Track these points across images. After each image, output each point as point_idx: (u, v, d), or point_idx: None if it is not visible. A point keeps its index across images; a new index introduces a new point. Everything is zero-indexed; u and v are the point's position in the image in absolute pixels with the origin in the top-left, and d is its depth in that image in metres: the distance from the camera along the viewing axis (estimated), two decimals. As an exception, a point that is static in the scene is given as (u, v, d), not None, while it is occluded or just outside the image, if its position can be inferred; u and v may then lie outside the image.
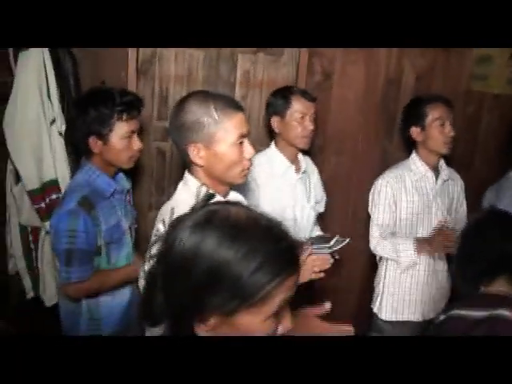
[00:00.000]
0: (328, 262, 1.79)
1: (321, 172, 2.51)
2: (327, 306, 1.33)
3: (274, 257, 0.80)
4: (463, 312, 1.60)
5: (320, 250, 2.15)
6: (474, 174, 2.81)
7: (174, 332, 0.89)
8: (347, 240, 2.08)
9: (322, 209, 2.51)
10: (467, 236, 1.70)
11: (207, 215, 0.84)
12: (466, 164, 2.83)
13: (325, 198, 2.53)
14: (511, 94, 2.88)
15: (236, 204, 0.87)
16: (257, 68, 2.62)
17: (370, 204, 2.37)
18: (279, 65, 2.63)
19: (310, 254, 1.76)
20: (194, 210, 0.88)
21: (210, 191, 1.31)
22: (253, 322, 0.82)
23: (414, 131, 2.32)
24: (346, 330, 1.29)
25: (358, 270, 2.81)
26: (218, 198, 1.25)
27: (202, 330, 0.85)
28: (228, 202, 0.93)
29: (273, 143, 2.31)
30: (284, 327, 0.88)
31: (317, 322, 1.32)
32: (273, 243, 0.81)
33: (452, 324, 1.62)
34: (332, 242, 2.11)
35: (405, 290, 2.33)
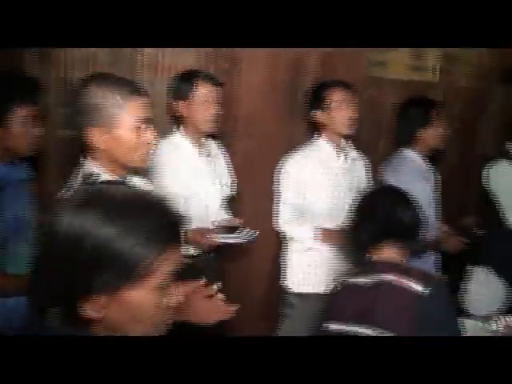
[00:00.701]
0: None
1: (230, 155, 2.56)
2: (214, 287, 1.42)
3: (153, 232, 0.84)
4: (353, 280, 1.70)
5: (226, 240, 2.21)
6: (379, 154, 2.98)
7: (64, 319, 0.90)
8: (256, 234, 2.19)
9: (231, 192, 2.58)
10: (359, 205, 1.80)
11: (87, 196, 0.86)
12: (372, 145, 3.00)
13: (234, 181, 2.60)
14: (410, 79, 3.09)
15: (118, 184, 0.90)
16: (165, 52, 2.60)
17: (277, 184, 2.46)
18: (188, 50, 2.63)
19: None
20: (76, 192, 0.89)
21: (103, 175, 1.33)
22: (139, 296, 0.85)
23: (317, 114, 2.42)
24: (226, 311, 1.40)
25: (270, 250, 2.90)
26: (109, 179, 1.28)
27: (91, 311, 0.86)
28: (110, 182, 0.95)
29: (177, 128, 2.31)
30: (172, 300, 0.92)
31: (201, 302, 1.40)
32: (153, 219, 0.85)
33: (344, 292, 1.71)
34: (241, 234, 2.18)
35: (310, 264, 2.44)
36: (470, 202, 3.12)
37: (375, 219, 1.72)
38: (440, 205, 2.72)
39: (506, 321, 2.06)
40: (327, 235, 2.35)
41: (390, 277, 1.59)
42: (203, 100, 2.22)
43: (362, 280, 1.67)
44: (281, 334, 2.54)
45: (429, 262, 2.63)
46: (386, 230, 1.71)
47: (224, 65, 2.68)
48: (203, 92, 2.23)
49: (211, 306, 1.42)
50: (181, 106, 2.26)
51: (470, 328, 2.08)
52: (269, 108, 2.81)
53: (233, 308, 1.43)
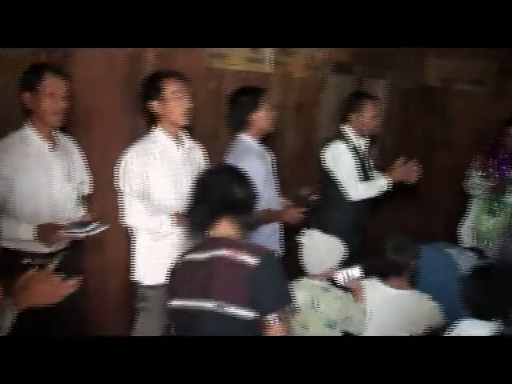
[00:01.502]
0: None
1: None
2: (50, 266, 1.43)
3: None
4: (191, 256, 1.74)
5: (75, 235, 2.18)
6: (220, 141, 3.09)
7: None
8: (103, 226, 2.19)
9: (87, 190, 2.52)
10: (195, 184, 1.82)
11: None
12: (212, 133, 3.11)
13: (88, 178, 2.55)
14: (247, 70, 3.26)
15: None
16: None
17: (119, 178, 2.44)
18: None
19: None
20: None
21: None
22: None
23: (154, 104, 2.45)
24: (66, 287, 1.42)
25: (124, 244, 2.87)
26: None
27: None
28: None
29: (26, 121, 2.28)
30: None
31: (38, 285, 1.43)
32: None
33: (183, 268, 1.75)
34: (89, 228, 2.16)
35: (161, 254, 2.45)
36: (310, 178, 3.36)
37: (210, 196, 1.75)
38: (279, 182, 2.89)
39: (348, 274, 2.24)
40: (177, 218, 2.37)
41: (222, 252, 1.65)
42: (50, 92, 2.22)
43: (198, 256, 1.71)
44: (138, 327, 2.53)
45: (273, 237, 2.82)
46: (220, 206, 1.73)
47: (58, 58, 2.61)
48: (50, 84, 2.23)
49: (50, 287, 1.46)
50: (27, 98, 2.24)
51: (307, 286, 2.27)
52: (110, 102, 2.78)
53: (71, 283, 1.47)
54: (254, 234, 2.62)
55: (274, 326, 1.57)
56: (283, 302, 1.62)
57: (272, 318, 1.58)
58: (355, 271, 2.23)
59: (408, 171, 3.00)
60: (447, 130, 4.29)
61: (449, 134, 4.28)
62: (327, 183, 3.15)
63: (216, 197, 1.74)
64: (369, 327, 2.21)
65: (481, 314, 1.40)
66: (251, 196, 1.79)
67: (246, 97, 2.73)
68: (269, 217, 2.68)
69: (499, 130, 3.51)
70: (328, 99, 3.70)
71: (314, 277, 2.28)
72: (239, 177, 1.80)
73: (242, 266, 1.59)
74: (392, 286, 2.27)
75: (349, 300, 2.23)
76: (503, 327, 1.16)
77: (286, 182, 3.07)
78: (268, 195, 2.66)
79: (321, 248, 2.24)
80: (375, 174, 3.24)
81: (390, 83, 3.99)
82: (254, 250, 1.65)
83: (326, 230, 2.37)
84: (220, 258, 1.65)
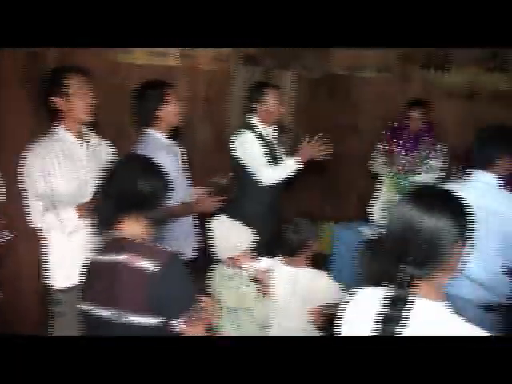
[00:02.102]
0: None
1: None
2: None
3: None
4: (99, 257, 1.64)
5: None
6: (128, 138, 3.05)
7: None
8: (11, 235, 2.08)
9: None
10: (101, 180, 1.68)
11: None
12: (120, 129, 3.05)
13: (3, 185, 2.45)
14: (154, 64, 3.23)
15: None
16: None
17: (22, 178, 2.34)
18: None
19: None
20: None
21: None
22: None
23: (56, 101, 2.37)
24: None
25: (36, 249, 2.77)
26: None
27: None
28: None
29: None
30: None
31: None
32: None
33: (91, 269, 1.67)
34: None
35: (73, 255, 2.39)
36: (222, 168, 3.39)
37: (113, 191, 1.63)
38: (191, 175, 2.90)
39: (256, 264, 2.27)
40: (82, 210, 2.31)
41: (122, 257, 1.57)
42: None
43: (104, 258, 1.62)
44: (56, 332, 2.45)
45: (185, 227, 2.82)
46: (124, 201, 1.63)
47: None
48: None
49: None
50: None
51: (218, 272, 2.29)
52: (9, 101, 2.66)
53: None
54: (168, 228, 2.64)
55: (186, 329, 1.55)
56: (187, 305, 1.57)
57: (177, 323, 1.55)
58: (263, 263, 2.25)
59: (314, 149, 3.08)
60: (354, 116, 4.49)
61: (356, 119, 4.48)
62: (239, 171, 3.21)
63: (119, 191, 1.63)
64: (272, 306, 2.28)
65: (374, 281, 1.49)
66: (158, 189, 1.66)
67: (152, 91, 2.70)
68: (183, 209, 2.68)
69: (402, 113, 3.70)
70: (237, 91, 3.75)
71: (223, 263, 2.32)
72: (143, 168, 1.68)
73: (141, 272, 1.52)
74: (291, 265, 2.36)
75: (250, 291, 2.24)
76: (394, 290, 1.24)
77: (199, 174, 3.08)
78: (180, 190, 2.66)
79: (229, 233, 2.27)
80: (285, 159, 3.33)
81: (297, 73, 4.11)
82: (154, 253, 1.56)
83: (238, 216, 2.41)
84: (120, 264, 1.56)
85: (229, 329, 2.25)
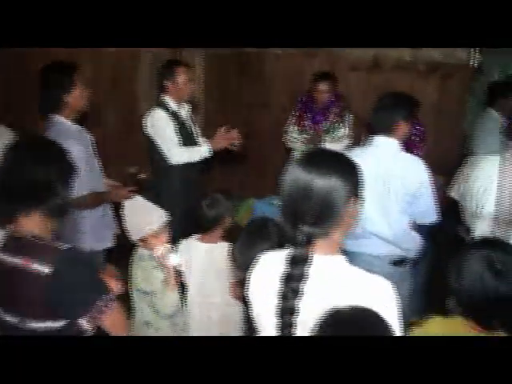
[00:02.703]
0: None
1: None
2: None
3: None
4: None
5: None
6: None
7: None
8: None
9: None
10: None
11: None
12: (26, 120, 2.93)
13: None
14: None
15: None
16: None
17: None
18: None
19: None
20: None
21: None
22: None
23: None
24: None
25: None
26: None
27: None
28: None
29: None
30: None
31: None
32: None
33: None
34: None
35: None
36: (131, 153, 3.36)
37: (8, 181, 1.47)
38: (101, 162, 2.85)
39: (165, 253, 2.18)
40: None
41: (17, 260, 1.46)
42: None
43: (3, 258, 1.50)
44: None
45: (104, 219, 2.78)
46: (19, 193, 1.47)
47: None
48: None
49: None
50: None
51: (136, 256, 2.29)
52: None
53: None
54: (83, 218, 2.58)
55: (102, 322, 1.51)
56: (92, 300, 1.49)
57: (83, 321, 1.48)
58: (173, 258, 2.18)
59: (229, 138, 3.20)
60: (266, 92, 4.56)
61: (267, 95, 4.56)
62: (152, 150, 3.24)
63: (11, 180, 1.46)
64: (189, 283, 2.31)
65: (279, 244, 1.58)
66: (56, 177, 1.50)
67: (56, 76, 2.59)
68: (95, 199, 2.64)
69: (310, 87, 3.81)
70: (147, 71, 3.70)
71: (138, 244, 2.31)
72: (41, 154, 1.52)
73: (36, 276, 1.43)
74: (207, 242, 2.39)
75: (156, 275, 2.21)
76: (294, 250, 1.30)
77: (110, 160, 3.02)
78: (91, 178, 2.60)
79: (139, 214, 2.25)
80: (201, 139, 3.37)
81: (206, 52, 4.10)
82: (48, 253, 1.45)
83: (152, 196, 2.41)
84: (15, 268, 1.45)
85: (147, 312, 2.25)
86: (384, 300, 1.26)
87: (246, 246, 1.74)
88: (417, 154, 3.33)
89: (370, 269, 2.29)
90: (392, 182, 2.34)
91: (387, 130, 2.42)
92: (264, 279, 1.40)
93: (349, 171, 1.32)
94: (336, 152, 1.40)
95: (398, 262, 2.48)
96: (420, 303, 2.87)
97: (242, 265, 1.66)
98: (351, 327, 1.09)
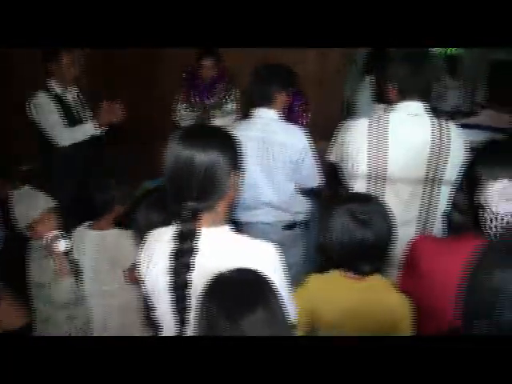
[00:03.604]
0: None
1: None
2: None
3: None
4: None
5: None
6: None
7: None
8: None
9: None
10: None
11: None
12: None
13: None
14: None
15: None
16: None
17: None
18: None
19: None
20: None
21: None
22: None
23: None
24: None
25: None
26: None
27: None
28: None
29: None
30: None
31: None
32: None
33: None
34: None
35: None
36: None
37: None
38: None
39: (52, 239, 2.12)
40: None
41: None
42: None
43: None
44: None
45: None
46: None
47: None
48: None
49: None
50: None
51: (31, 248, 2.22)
52: None
53: None
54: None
55: None
56: None
57: None
58: (61, 244, 2.12)
59: (112, 112, 3.15)
60: (153, 71, 4.49)
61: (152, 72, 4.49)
62: (39, 135, 3.16)
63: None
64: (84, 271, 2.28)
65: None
66: None
67: None
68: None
69: (195, 63, 3.80)
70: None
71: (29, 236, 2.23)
72: None
73: None
74: (98, 229, 2.32)
75: (47, 264, 2.15)
76: (181, 226, 1.33)
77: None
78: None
79: (24, 201, 2.19)
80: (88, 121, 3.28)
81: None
82: None
83: (41, 183, 2.33)
84: None
85: (44, 307, 2.17)
86: (269, 263, 1.34)
87: (146, 218, 1.76)
88: (301, 123, 3.50)
89: (264, 236, 2.44)
90: (275, 151, 2.44)
91: (266, 102, 2.49)
92: (153, 256, 1.42)
93: (228, 145, 1.37)
94: (215, 127, 1.45)
95: (290, 226, 2.62)
96: (316, 263, 3.05)
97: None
98: (235, 288, 1.13)
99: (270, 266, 1.33)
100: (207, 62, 3.74)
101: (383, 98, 2.16)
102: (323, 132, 3.08)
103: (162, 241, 1.40)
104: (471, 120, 2.73)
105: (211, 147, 1.32)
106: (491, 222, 1.26)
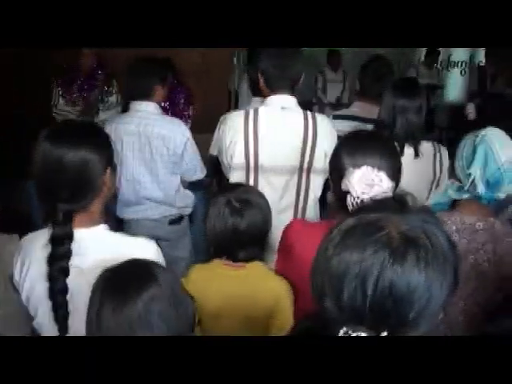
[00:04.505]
0: None
1: None
2: None
3: None
4: None
5: None
6: None
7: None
8: None
9: None
10: None
11: None
12: None
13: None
14: None
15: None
16: None
17: None
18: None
19: None
20: None
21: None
22: None
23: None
24: None
25: None
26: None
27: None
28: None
29: None
30: None
31: None
32: None
33: None
34: None
35: None
36: None
37: None
38: None
39: None
40: None
41: None
42: None
43: None
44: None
45: None
46: None
47: None
48: None
49: None
50: None
51: None
52: None
53: None
54: None
55: None
56: None
57: None
58: None
59: None
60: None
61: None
62: None
63: None
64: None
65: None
66: None
67: None
68: None
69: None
70: None
71: None
72: None
73: None
74: None
75: None
76: (55, 229, 1.29)
77: None
78: None
79: None
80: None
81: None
82: None
83: None
84: None
85: None
86: (148, 258, 1.35)
87: None
88: (185, 116, 3.52)
89: (150, 232, 2.42)
90: (155, 144, 2.42)
91: (145, 95, 2.46)
92: (28, 262, 1.36)
93: (99, 142, 1.33)
94: (85, 123, 1.41)
95: (176, 221, 2.63)
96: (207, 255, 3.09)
97: None
98: (122, 278, 1.12)
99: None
100: (83, 54, 3.59)
101: (258, 92, 2.24)
102: (209, 124, 3.12)
103: (36, 245, 1.34)
104: (344, 111, 2.91)
105: (81, 145, 1.27)
106: (353, 206, 1.37)
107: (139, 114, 2.47)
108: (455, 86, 6.56)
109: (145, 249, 1.37)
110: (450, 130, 5.46)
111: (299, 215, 2.06)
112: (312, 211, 2.06)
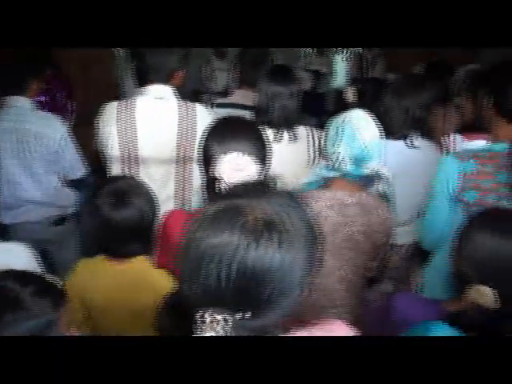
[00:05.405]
0: None
1: None
2: None
3: None
4: None
5: None
6: None
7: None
8: None
9: None
10: None
11: None
12: None
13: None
14: None
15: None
16: None
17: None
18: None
19: None
20: None
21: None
22: None
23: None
24: None
25: None
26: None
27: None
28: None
29: None
30: None
31: None
32: None
33: None
34: None
35: None
36: None
37: None
38: None
39: None
40: None
41: None
42: None
43: None
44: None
45: None
46: None
47: None
48: None
49: None
50: None
51: None
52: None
53: None
54: None
55: None
56: None
57: None
58: None
59: None
60: None
61: None
62: None
63: None
64: None
65: None
66: None
67: None
68: None
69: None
70: None
71: None
72: None
73: None
74: None
75: None
76: None
77: None
78: None
79: None
80: None
81: None
82: None
83: None
84: None
85: None
86: (21, 264, 1.29)
87: None
88: (66, 111, 3.37)
89: (33, 236, 2.30)
90: (30, 142, 2.30)
91: (18, 89, 2.34)
92: None
93: None
94: None
95: (59, 222, 2.51)
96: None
97: None
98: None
99: (21, 267, 1.28)
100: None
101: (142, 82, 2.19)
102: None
103: None
104: (227, 99, 2.94)
105: None
106: (222, 191, 1.39)
107: (14, 111, 2.33)
108: (341, 72, 6.88)
109: (15, 255, 1.31)
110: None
111: (182, 205, 2.05)
112: (195, 200, 2.06)
